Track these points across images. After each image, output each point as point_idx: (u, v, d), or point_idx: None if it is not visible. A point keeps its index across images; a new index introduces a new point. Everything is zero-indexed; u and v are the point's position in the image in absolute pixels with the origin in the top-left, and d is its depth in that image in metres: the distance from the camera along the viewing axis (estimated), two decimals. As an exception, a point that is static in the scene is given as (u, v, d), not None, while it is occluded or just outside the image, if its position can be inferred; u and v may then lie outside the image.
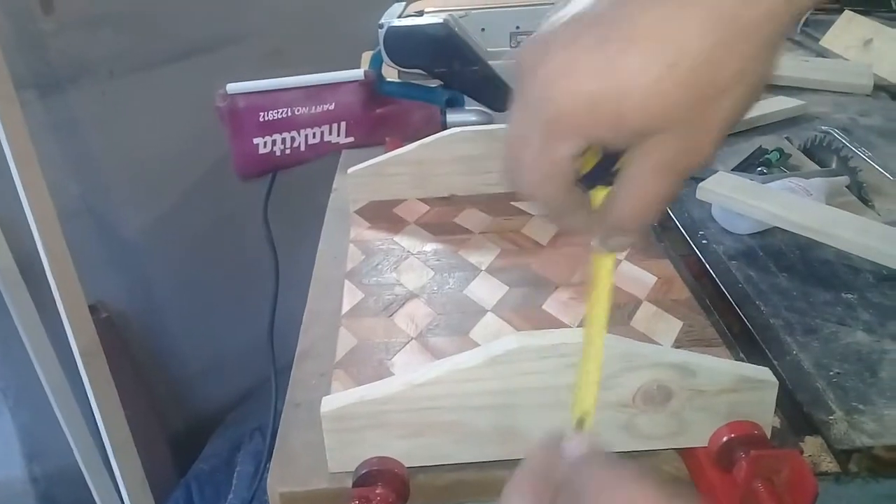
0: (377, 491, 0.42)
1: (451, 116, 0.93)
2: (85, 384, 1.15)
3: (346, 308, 0.59)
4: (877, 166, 0.82)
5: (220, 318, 1.49)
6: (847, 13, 1.25)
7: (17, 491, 1.33)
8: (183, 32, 1.36)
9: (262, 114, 0.91)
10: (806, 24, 1.35)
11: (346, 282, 0.62)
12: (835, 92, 1.06)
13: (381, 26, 0.91)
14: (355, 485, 0.43)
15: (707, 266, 0.66)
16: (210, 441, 1.41)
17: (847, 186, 0.76)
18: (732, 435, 0.43)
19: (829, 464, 0.47)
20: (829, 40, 1.24)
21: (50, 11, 1.22)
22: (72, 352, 1.19)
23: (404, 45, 0.90)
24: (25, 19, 1.20)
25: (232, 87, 0.91)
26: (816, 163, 0.83)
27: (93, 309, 1.21)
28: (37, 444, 1.32)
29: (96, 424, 1.24)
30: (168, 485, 1.34)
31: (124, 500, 1.24)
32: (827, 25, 1.26)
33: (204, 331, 1.49)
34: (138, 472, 1.21)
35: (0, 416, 1.28)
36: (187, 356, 1.51)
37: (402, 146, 0.84)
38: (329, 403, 0.44)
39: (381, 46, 0.91)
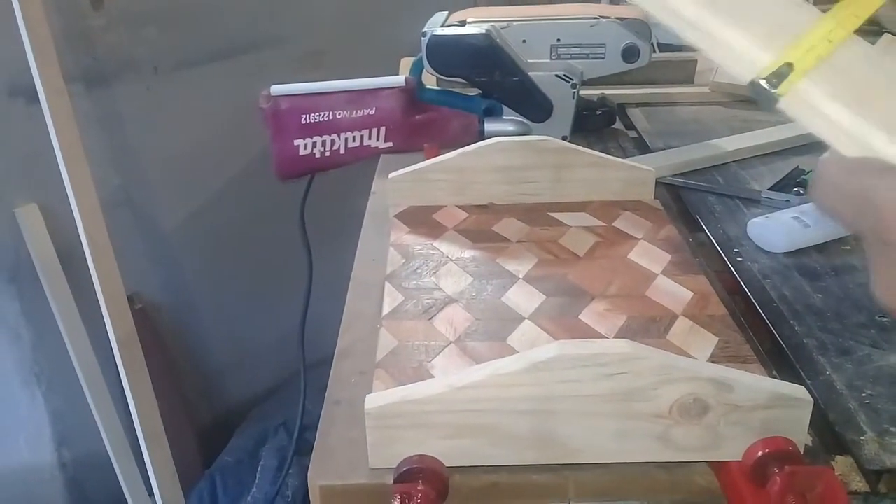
0: (419, 487, 0.43)
1: (489, 125, 0.95)
2: (120, 373, 1.18)
3: (386, 310, 0.60)
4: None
5: (249, 315, 1.52)
6: (886, 36, 1.24)
7: (46, 476, 1.36)
8: (226, 33, 1.39)
9: (304, 116, 0.92)
10: (844, 45, 1.35)
11: (387, 284, 0.63)
12: (872, 115, 1.06)
13: (423, 34, 0.93)
14: (397, 481, 0.45)
15: (742, 283, 0.66)
16: (235, 434, 1.43)
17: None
18: (767, 450, 0.44)
19: (858, 483, 0.47)
20: None
21: (99, 8, 1.25)
22: (105, 340, 1.22)
23: (447, 53, 0.92)
24: (75, 15, 1.23)
25: (276, 89, 0.93)
26: (853, 185, 0.84)
27: (128, 300, 1.24)
28: (67, 430, 1.35)
29: (126, 413, 1.27)
30: (194, 475, 1.36)
31: (153, 488, 1.27)
32: (866, 48, 1.26)
33: (233, 326, 1.52)
34: (168, 461, 1.24)
35: (33, 400, 1.32)
36: (216, 350, 1.53)
37: (439, 153, 0.86)
38: (373, 401, 0.46)
39: (424, 54, 0.93)
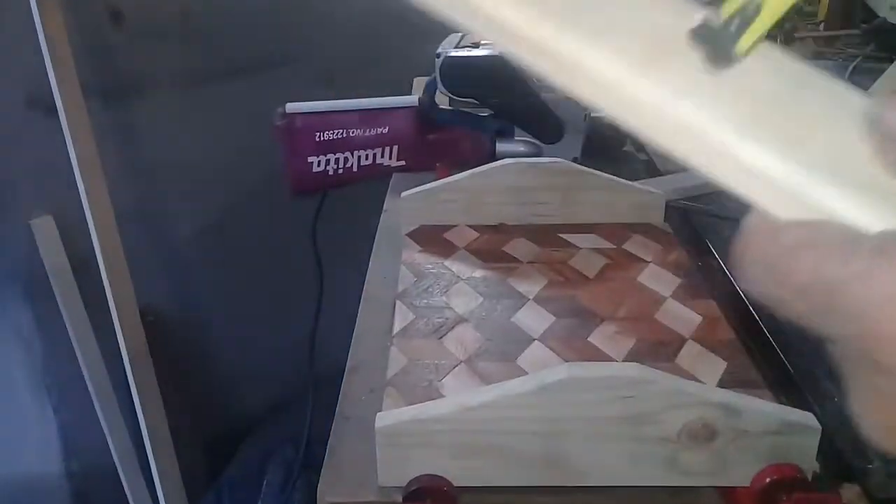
0: (427, 507, 0.44)
1: (501, 146, 0.96)
2: (131, 386, 1.19)
3: (397, 328, 0.61)
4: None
5: (258, 329, 1.52)
6: (898, 63, 1.25)
7: (53, 487, 1.37)
8: (242, 51, 1.41)
9: (318, 134, 0.94)
10: (854, 71, 1.36)
11: (398, 302, 0.64)
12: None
13: (438, 55, 0.94)
14: (406, 499, 0.45)
15: (751, 309, 0.67)
16: (241, 448, 1.43)
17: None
18: (775, 477, 0.44)
19: (866, 511, 0.47)
20: (878, 90, 1.24)
21: (119, 24, 1.27)
22: (115, 352, 1.23)
23: (460, 74, 0.93)
24: (96, 31, 1.25)
25: (291, 107, 0.94)
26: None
27: (140, 312, 1.25)
28: (75, 442, 1.36)
29: (134, 425, 1.28)
30: (200, 489, 1.37)
31: (159, 501, 1.27)
32: (876, 74, 1.26)
33: (242, 340, 1.53)
34: (176, 474, 1.24)
35: (43, 411, 1.32)
36: (224, 363, 1.54)
37: (451, 172, 0.87)
38: (383, 419, 0.46)
39: (437, 75, 0.94)
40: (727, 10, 0.20)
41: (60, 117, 1.11)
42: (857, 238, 0.19)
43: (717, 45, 0.21)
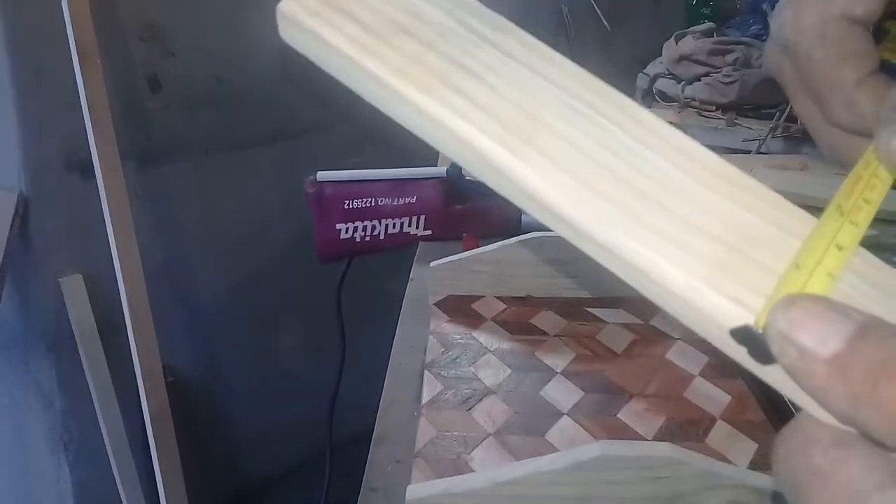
0: (458, 584, 0.43)
1: (526, 217, 0.97)
2: (150, 446, 1.19)
3: (426, 398, 0.61)
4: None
5: (278, 394, 1.52)
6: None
7: (64, 546, 1.35)
8: (273, 119, 1.45)
9: (347, 202, 0.96)
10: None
11: (427, 372, 0.64)
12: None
13: (466, 129, 0.96)
14: (436, 575, 0.45)
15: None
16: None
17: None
18: (810, 564, 0.43)
19: None
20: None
21: (157, 91, 1.32)
22: (134, 413, 1.23)
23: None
24: (134, 97, 1.30)
25: (321, 175, 0.96)
26: None
27: (161, 372, 1.25)
28: (90, 500, 1.35)
29: (149, 485, 1.27)
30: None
31: (171, 566, 1.25)
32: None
33: (261, 403, 1.52)
34: (190, 538, 1.22)
35: (59, 469, 1.32)
36: (242, 425, 1.53)
37: (477, 242, 0.88)
38: (414, 492, 0.46)
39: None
40: (761, 320, 0.20)
41: (97, 180, 1.14)
42: None
43: (756, 346, 0.20)
